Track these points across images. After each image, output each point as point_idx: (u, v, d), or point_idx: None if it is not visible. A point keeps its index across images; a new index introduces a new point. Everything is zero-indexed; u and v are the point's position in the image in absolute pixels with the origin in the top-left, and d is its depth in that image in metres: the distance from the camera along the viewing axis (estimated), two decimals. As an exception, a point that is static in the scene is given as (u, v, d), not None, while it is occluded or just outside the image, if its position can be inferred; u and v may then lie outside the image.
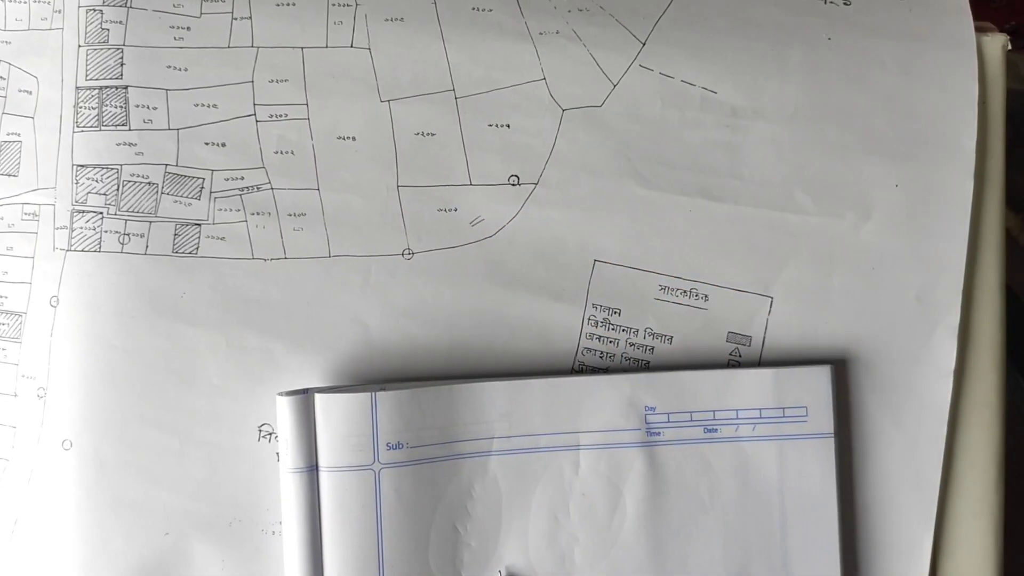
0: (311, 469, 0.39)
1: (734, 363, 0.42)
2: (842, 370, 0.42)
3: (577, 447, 0.40)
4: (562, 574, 0.40)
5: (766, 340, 0.42)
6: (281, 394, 0.39)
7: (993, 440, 0.42)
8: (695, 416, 0.40)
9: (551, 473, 0.40)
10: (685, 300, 0.42)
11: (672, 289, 0.42)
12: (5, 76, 0.43)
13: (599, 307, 0.42)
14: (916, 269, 0.42)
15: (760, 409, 0.41)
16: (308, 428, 0.39)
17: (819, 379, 0.41)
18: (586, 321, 0.42)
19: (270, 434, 0.41)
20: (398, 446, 0.39)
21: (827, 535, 0.40)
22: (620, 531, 0.40)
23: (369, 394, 0.39)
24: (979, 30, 0.44)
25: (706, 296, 0.42)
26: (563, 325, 0.42)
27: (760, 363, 0.42)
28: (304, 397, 0.39)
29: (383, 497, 0.39)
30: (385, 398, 0.39)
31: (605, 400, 0.40)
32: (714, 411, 0.40)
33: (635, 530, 0.40)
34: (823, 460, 0.40)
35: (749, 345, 0.42)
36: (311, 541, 0.39)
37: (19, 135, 0.43)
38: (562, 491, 0.40)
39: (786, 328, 0.42)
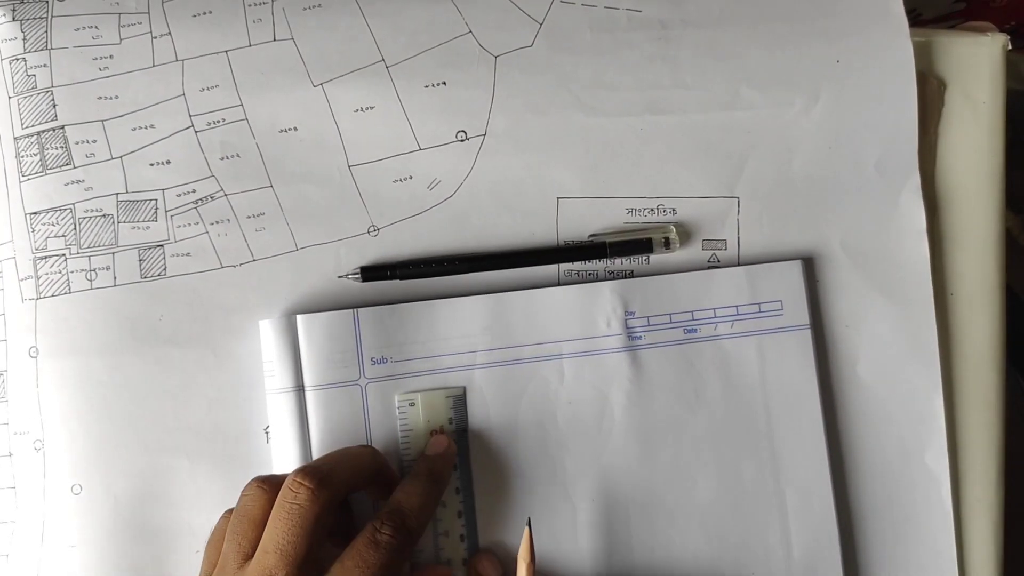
0: (298, 389, 0.39)
1: (713, 267, 0.42)
2: (820, 258, 0.42)
3: (560, 356, 0.40)
4: (554, 483, 0.40)
5: (740, 239, 0.42)
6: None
7: (993, 440, 0.42)
8: (674, 318, 0.40)
9: (536, 383, 0.40)
10: (654, 218, 0.42)
11: (639, 210, 0.42)
12: (-59, 142, 0.43)
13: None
14: (871, 140, 0.42)
15: (736, 306, 0.41)
16: (292, 349, 0.39)
17: (791, 273, 0.41)
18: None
19: (276, 435, 0.41)
20: (382, 360, 0.39)
21: (812, 425, 0.40)
22: (609, 436, 0.40)
23: (351, 311, 0.39)
24: (979, 30, 0.44)
25: (674, 210, 0.42)
26: (540, 267, 0.42)
27: (739, 263, 0.42)
28: (286, 318, 0.39)
29: (371, 413, 0.39)
30: (367, 314, 0.39)
31: (585, 308, 0.40)
32: (692, 312, 0.41)
33: (623, 434, 0.40)
34: (801, 351, 0.41)
35: (725, 248, 0.42)
36: (302, 460, 0.39)
37: (-33, 198, 0.42)
38: (548, 400, 0.40)
39: (758, 224, 0.42)
